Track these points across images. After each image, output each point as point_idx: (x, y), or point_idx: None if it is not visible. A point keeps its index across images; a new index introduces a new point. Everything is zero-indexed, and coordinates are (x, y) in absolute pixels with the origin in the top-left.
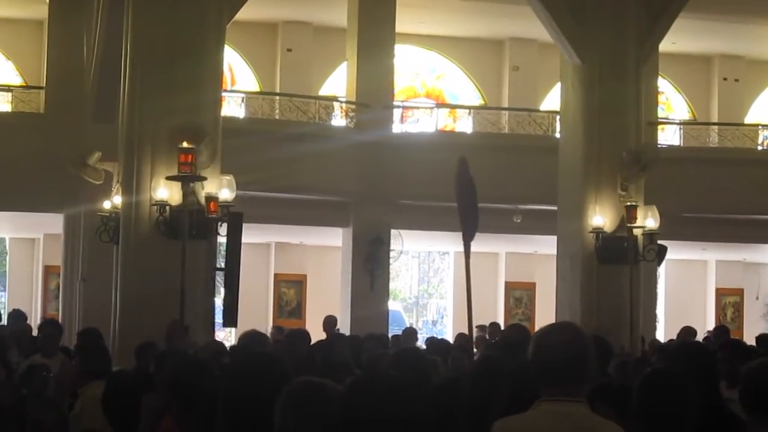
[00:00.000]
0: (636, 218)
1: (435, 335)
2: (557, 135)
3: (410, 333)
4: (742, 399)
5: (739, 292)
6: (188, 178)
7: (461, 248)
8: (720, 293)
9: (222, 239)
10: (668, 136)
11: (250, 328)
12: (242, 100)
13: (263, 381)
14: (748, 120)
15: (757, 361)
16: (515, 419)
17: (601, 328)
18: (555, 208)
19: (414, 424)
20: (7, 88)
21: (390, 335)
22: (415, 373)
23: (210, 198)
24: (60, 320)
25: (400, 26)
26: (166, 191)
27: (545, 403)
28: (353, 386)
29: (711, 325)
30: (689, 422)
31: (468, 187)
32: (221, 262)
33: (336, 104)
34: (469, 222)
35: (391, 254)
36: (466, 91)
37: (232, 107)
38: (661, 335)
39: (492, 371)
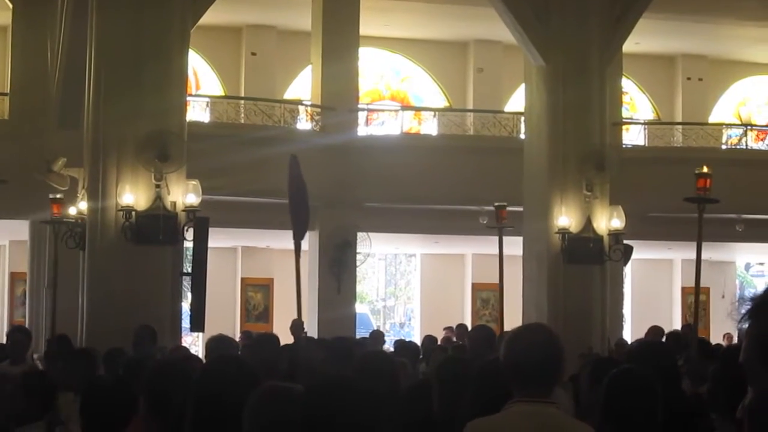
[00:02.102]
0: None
1: (403, 338)
2: (522, 136)
3: (377, 336)
4: (709, 397)
5: (706, 291)
6: None
7: (428, 250)
8: (686, 292)
9: (188, 244)
10: (633, 136)
11: (218, 332)
12: (207, 105)
13: (232, 384)
14: (712, 119)
15: (723, 361)
16: (488, 420)
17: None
18: (521, 209)
19: (380, 428)
20: None
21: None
22: (381, 377)
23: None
24: (27, 327)
25: (364, 29)
26: (131, 197)
27: (518, 404)
28: (312, 389)
29: (677, 323)
30: (657, 420)
31: (298, 185)
32: (188, 267)
33: (301, 108)
34: (299, 220)
35: (359, 257)
36: (430, 93)
37: (197, 112)
38: (628, 334)
39: (456, 373)
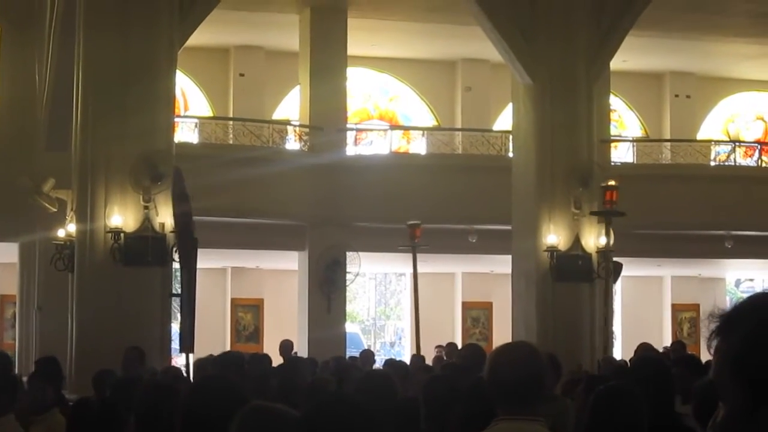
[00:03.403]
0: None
1: (393, 357)
2: (511, 155)
3: (368, 355)
4: (696, 413)
5: (695, 308)
6: None
7: (418, 269)
8: (676, 309)
9: (177, 265)
10: (621, 154)
11: (208, 353)
12: (195, 126)
13: (220, 403)
14: (700, 136)
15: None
16: None
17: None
18: (510, 227)
19: None
20: None
21: (348, 357)
22: (382, 396)
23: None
24: (17, 349)
25: (352, 49)
26: (120, 218)
27: (502, 421)
28: (314, 409)
29: (668, 340)
30: None
31: (182, 197)
32: (177, 288)
33: (289, 128)
34: (184, 234)
35: (348, 276)
36: (419, 112)
37: (186, 133)
38: (619, 352)
39: (443, 391)
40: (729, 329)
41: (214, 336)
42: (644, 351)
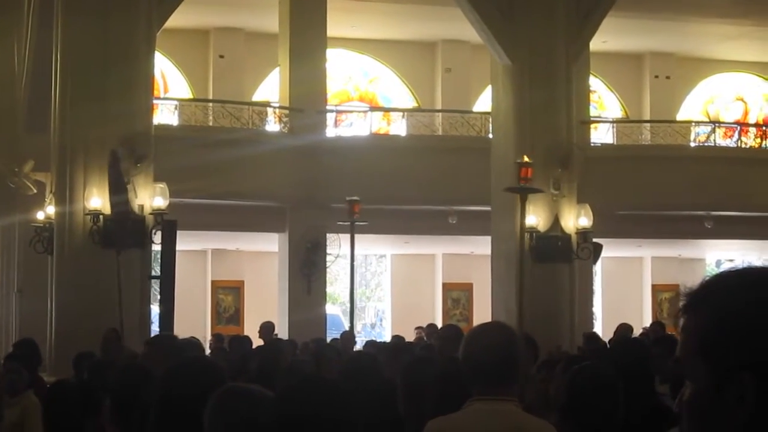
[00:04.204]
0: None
1: (374, 338)
2: (491, 136)
3: (348, 336)
4: (674, 393)
5: (675, 288)
6: None
7: (398, 251)
8: (656, 289)
9: (157, 247)
10: (601, 135)
11: (188, 335)
12: (175, 108)
13: (196, 385)
14: (680, 117)
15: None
16: (448, 419)
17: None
18: (489, 208)
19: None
20: None
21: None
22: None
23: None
24: None
25: (332, 30)
26: (99, 200)
27: (477, 402)
28: (287, 390)
29: (648, 321)
30: (617, 417)
31: (119, 187)
32: (156, 270)
33: (269, 110)
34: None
35: (329, 258)
36: (399, 93)
37: (165, 115)
38: (599, 332)
39: (419, 373)
40: (696, 308)
41: (195, 318)
42: (623, 331)
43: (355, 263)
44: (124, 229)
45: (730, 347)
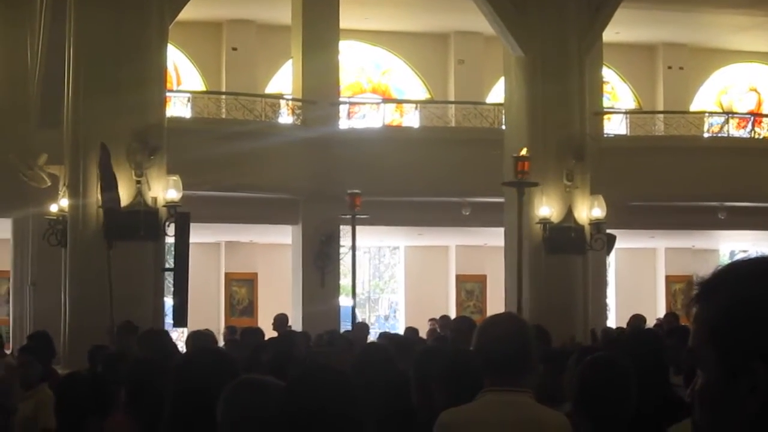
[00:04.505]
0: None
1: (387, 330)
2: (504, 127)
3: (362, 327)
4: (687, 384)
5: (689, 279)
6: None
7: (412, 242)
8: (670, 280)
9: (170, 240)
10: (614, 126)
11: (202, 327)
12: (188, 100)
13: (210, 376)
14: (693, 107)
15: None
16: (461, 410)
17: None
18: (503, 200)
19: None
20: None
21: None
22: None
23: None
24: (11, 324)
25: (345, 22)
26: None
27: (490, 393)
28: (296, 379)
29: (662, 312)
30: (630, 408)
31: (110, 183)
32: (170, 263)
33: (282, 102)
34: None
35: (342, 250)
36: (412, 85)
37: (178, 107)
38: (612, 324)
39: (431, 364)
40: (708, 297)
41: (209, 310)
42: (637, 322)
43: (368, 255)
44: (116, 223)
45: (741, 336)
